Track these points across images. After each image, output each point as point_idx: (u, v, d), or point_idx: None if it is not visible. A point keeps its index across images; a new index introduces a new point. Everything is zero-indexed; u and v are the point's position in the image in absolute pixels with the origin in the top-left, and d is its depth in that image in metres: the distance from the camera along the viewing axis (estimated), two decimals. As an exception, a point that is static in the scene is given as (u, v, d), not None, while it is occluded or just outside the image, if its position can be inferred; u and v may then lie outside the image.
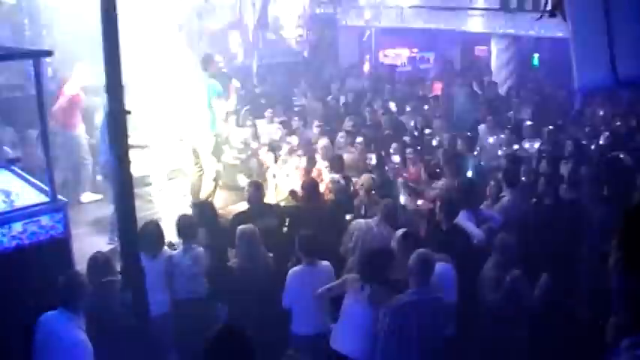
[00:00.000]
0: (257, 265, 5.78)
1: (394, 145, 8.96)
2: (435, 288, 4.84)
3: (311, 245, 5.52)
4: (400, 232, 5.55)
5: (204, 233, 6.23)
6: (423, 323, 4.65)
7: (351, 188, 7.66)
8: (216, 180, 9.01)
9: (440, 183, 7.63)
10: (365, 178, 7.27)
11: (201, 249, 5.92)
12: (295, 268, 5.51)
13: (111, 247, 7.33)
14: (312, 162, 8.61)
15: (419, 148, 9.17)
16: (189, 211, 7.65)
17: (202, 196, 8.77)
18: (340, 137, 9.49)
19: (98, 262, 5.20)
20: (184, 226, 6.00)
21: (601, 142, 9.12)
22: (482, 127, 10.16)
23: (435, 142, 9.78)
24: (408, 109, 11.74)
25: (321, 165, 8.41)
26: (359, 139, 9.22)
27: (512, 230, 6.20)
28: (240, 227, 5.88)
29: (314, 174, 8.21)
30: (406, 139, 9.59)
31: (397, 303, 4.69)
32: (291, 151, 9.08)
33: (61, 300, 4.40)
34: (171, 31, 8.97)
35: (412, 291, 4.75)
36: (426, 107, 12.10)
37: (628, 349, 1.84)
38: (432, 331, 4.74)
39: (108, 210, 8.05)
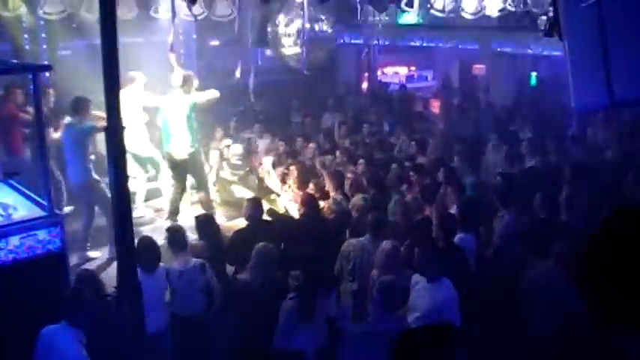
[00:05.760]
0: (269, 282, 5.63)
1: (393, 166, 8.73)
2: (439, 312, 4.68)
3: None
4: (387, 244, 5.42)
5: (205, 246, 6.21)
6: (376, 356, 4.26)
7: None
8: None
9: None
10: (356, 199, 7.13)
11: (199, 263, 5.77)
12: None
13: None
14: (308, 178, 8.56)
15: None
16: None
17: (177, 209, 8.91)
18: (339, 155, 9.47)
19: (85, 278, 5.17)
20: (174, 236, 5.90)
21: (602, 162, 8.95)
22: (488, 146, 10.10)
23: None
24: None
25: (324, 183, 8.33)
26: (360, 160, 9.10)
27: (512, 250, 6.15)
28: (258, 246, 5.68)
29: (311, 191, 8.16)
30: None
31: (351, 332, 4.53)
32: (288, 168, 9.06)
33: (65, 313, 4.38)
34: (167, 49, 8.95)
35: (374, 321, 4.57)
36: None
37: None
38: None
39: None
